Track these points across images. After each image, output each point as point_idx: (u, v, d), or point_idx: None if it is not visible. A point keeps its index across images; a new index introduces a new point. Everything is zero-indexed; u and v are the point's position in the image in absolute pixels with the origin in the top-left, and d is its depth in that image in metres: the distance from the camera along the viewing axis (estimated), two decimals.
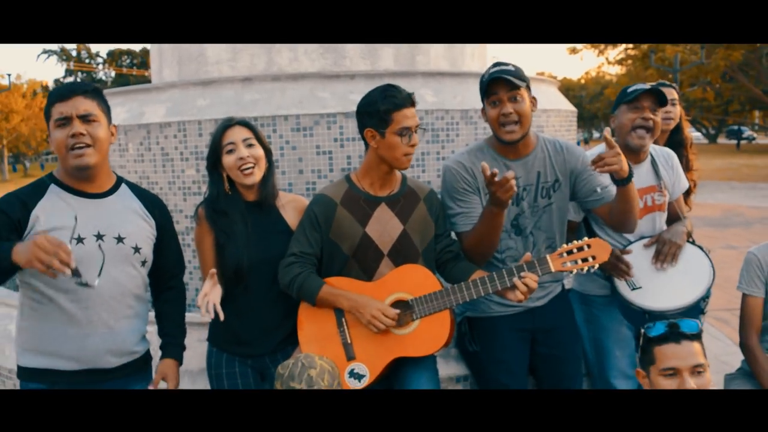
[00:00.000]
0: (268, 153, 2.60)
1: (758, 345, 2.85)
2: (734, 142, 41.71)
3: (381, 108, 2.45)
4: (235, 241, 2.55)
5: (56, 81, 56.37)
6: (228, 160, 2.53)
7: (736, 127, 43.47)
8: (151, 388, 2.46)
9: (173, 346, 2.54)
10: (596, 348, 2.98)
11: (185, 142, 3.40)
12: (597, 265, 2.38)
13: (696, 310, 2.79)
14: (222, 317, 2.39)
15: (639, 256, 2.87)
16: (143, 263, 2.40)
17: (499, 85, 2.56)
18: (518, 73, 2.56)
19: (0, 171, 41.99)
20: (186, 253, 3.41)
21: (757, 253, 2.88)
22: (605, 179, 2.63)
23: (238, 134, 2.53)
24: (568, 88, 53.20)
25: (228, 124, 2.57)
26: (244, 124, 2.58)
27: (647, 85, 2.85)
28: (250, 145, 2.54)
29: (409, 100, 2.48)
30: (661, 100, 2.84)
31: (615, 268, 2.79)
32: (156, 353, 2.53)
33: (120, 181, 2.45)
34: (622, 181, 2.48)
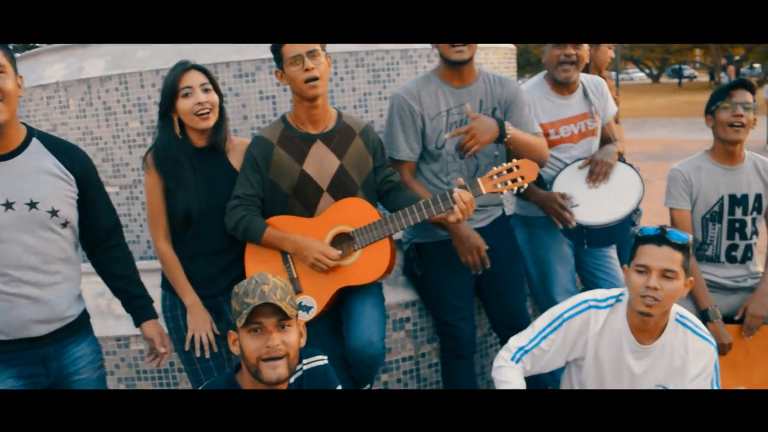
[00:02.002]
0: (220, 98, 2.53)
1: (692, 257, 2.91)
2: (676, 81, 42.17)
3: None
4: (185, 187, 2.50)
5: None
6: (184, 104, 2.44)
7: (677, 66, 43.89)
8: (148, 359, 2.42)
9: (144, 308, 2.38)
10: (539, 266, 3.03)
11: (127, 95, 3.29)
12: (526, 185, 2.39)
13: (627, 222, 2.84)
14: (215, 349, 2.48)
15: (575, 177, 2.94)
16: (65, 225, 2.13)
17: None
18: None
19: None
20: (135, 206, 3.36)
21: (681, 169, 2.92)
22: (529, 124, 2.77)
23: (195, 78, 2.45)
24: None
25: (184, 67, 2.46)
26: (200, 68, 2.49)
27: None
28: (207, 90, 2.46)
29: None
30: None
31: (557, 214, 2.84)
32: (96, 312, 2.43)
33: (30, 135, 2.11)
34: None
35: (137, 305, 2.38)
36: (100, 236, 2.31)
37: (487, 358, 3.18)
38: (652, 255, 2.07)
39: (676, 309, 2.20)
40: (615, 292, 2.27)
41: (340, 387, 2.16)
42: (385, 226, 2.48)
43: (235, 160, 2.59)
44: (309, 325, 2.56)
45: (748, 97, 2.77)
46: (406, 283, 2.99)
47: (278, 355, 1.87)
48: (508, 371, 2.25)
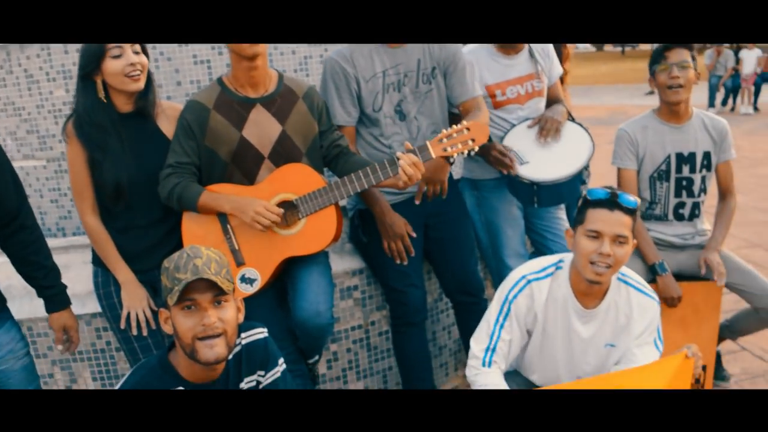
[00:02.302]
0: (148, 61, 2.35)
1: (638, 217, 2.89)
2: (620, 49, 42.75)
3: None
4: (112, 156, 2.31)
5: None
6: (114, 65, 2.24)
7: None
8: (59, 347, 2.28)
9: (54, 298, 2.25)
10: (488, 229, 2.97)
11: (50, 62, 3.07)
12: (477, 148, 2.30)
13: (578, 179, 2.79)
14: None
15: (524, 136, 2.87)
16: None
17: None
18: None
19: None
20: (65, 179, 3.16)
21: (627, 129, 2.88)
22: (469, 86, 2.69)
23: None
24: None
25: None
26: None
27: None
28: (137, 53, 2.28)
29: None
30: None
31: (498, 161, 2.76)
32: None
33: None
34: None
35: (46, 295, 2.24)
36: (3, 218, 2.12)
37: (439, 324, 3.12)
38: (604, 220, 1.99)
39: None
40: (552, 259, 2.20)
41: (282, 360, 2.05)
42: (331, 193, 2.37)
43: (165, 125, 2.43)
44: (253, 297, 2.47)
45: (684, 55, 2.71)
46: (352, 251, 2.89)
47: (215, 333, 1.74)
48: (486, 377, 2.15)
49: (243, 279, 2.44)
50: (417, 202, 2.68)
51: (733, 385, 3.02)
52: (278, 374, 2.00)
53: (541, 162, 2.78)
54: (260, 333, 2.00)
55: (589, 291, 2.09)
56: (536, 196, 2.76)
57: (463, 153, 2.30)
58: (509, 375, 2.35)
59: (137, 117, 2.37)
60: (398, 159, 2.29)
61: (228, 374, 1.90)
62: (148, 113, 2.38)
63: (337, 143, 2.53)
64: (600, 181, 3.10)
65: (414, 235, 2.65)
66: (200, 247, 1.80)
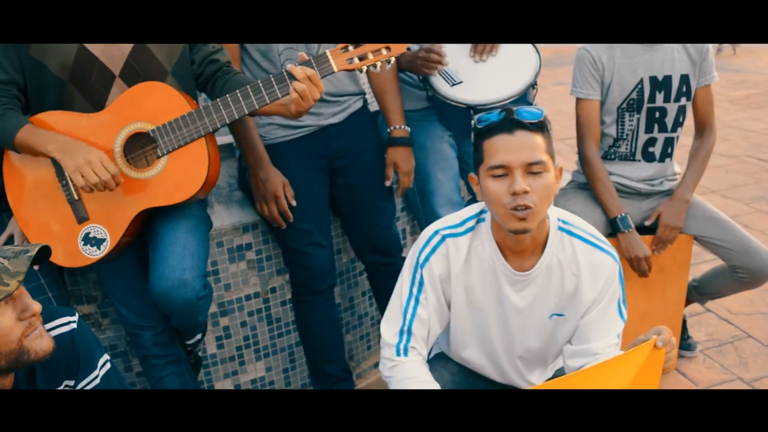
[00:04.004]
0: None
1: (597, 155, 2.31)
2: None
3: None
4: None
5: None
6: None
7: None
8: None
9: None
10: (415, 172, 2.33)
11: None
12: (393, 59, 1.66)
13: (524, 101, 2.18)
14: None
15: (457, 51, 2.22)
16: None
17: None
18: None
19: None
20: None
21: (590, 49, 2.27)
22: None
23: None
24: None
25: None
26: None
27: None
28: None
29: None
30: None
31: (426, 60, 2.12)
32: None
33: None
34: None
35: None
36: None
37: (356, 290, 2.51)
38: (506, 148, 1.39)
39: (556, 213, 1.55)
40: (473, 210, 1.59)
41: (103, 360, 1.43)
42: (201, 121, 1.70)
43: None
44: (105, 263, 1.82)
45: None
46: (243, 200, 2.23)
47: None
48: (403, 370, 1.56)
49: (87, 239, 1.78)
50: (397, 198, 2.18)
51: (699, 355, 2.54)
52: (97, 381, 1.37)
53: (477, 81, 2.15)
54: (65, 324, 1.35)
55: (519, 246, 1.50)
56: None
57: (374, 66, 1.65)
58: (436, 361, 1.77)
59: None
60: (289, 74, 1.64)
61: (17, 388, 1.26)
62: None
63: (214, 57, 1.84)
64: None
65: (294, 203, 2.03)
66: None
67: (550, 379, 1.76)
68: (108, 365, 1.46)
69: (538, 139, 1.41)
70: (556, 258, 1.54)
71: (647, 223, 2.34)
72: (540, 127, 1.42)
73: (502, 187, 1.40)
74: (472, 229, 1.56)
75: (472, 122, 1.47)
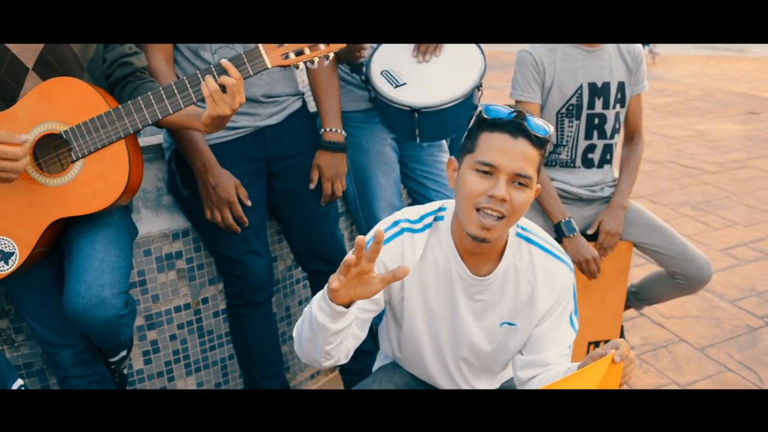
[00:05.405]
0: None
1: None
2: None
3: None
4: None
5: None
6: None
7: None
8: None
9: None
10: (356, 176, 2.19)
11: None
12: (332, 54, 1.51)
13: (469, 103, 2.06)
14: None
15: (399, 51, 2.10)
16: None
17: None
18: None
19: None
20: None
21: (531, 51, 2.18)
22: None
23: None
24: None
25: None
26: None
27: None
28: None
29: None
30: None
31: (355, 53, 1.99)
32: None
33: None
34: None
35: None
36: None
37: (292, 299, 2.35)
38: (503, 150, 1.28)
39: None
40: (431, 207, 1.47)
41: (21, 383, 1.23)
42: (119, 123, 1.52)
43: None
44: (16, 278, 1.62)
45: None
46: (172, 206, 2.03)
47: None
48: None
49: None
50: (323, 204, 1.99)
51: (635, 360, 2.50)
52: None
53: (421, 83, 2.02)
54: None
55: (478, 249, 1.39)
56: (418, 128, 2.02)
57: (311, 62, 1.50)
58: (383, 371, 1.64)
59: None
60: (204, 75, 1.47)
61: None
62: None
63: (127, 60, 1.64)
64: None
65: (248, 204, 1.87)
66: None
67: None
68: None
69: (535, 153, 1.30)
70: (513, 264, 1.43)
71: (590, 231, 2.27)
72: (542, 143, 1.31)
73: (482, 185, 1.28)
74: (429, 226, 1.44)
75: (478, 109, 1.35)
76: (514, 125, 1.29)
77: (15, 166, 1.44)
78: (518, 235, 1.44)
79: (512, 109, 1.31)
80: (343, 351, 1.37)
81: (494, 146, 1.29)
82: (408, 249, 1.43)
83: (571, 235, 2.15)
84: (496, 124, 1.30)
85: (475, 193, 1.29)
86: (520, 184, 1.29)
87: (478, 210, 1.29)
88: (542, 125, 1.31)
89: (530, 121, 1.30)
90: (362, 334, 1.43)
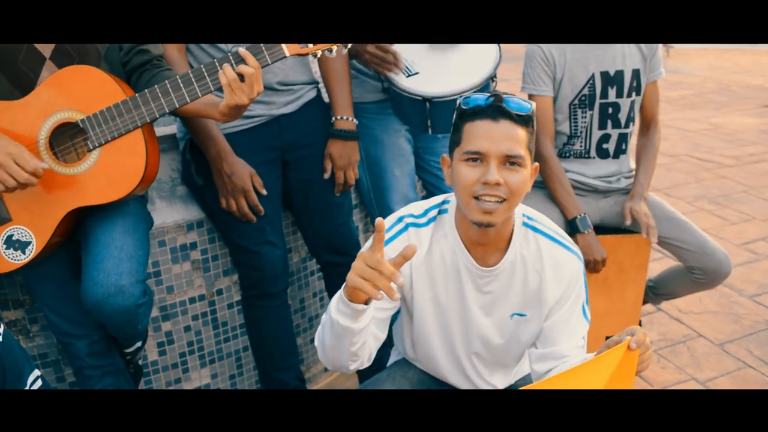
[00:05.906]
0: None
1: (553, 154, 2.18)
2: None
3: None
4: None
5: None
6: None
7: None
8: None
9: None
10: (370, 168, 2.16)
11: None
12: (348, 44, 1.48)
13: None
14: None
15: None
16: None
17: None
18: None
19: None
20: None
21: (541, 45, 2.14)
22: None
23: None
24: None
25: None
26: None
27: None
28: None
29: None
30: None
31: (382, 60, 1.94)
32: None
33: None
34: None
35: None
36: None
37: (306, 290, 2.33)
38: (487, 135, 1.28)
39: (521, 209, 1.44)
40: (435, 200, 1.46)
41: (32, 378, 1.22)
42: (136, 111, 1.50)
43: None
44: (33, 267, 1.60)
45: None
46: (187, 196, 2.01)
47: None
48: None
49: (9, 243, 1.56)
50: (336, 194, 1.95)
51: (653, 355, 2.46)
52: None
53: (434, 72, 1.98)
54: None
55: (483, 239, 1.37)
56: (430, 119, 1.98)
57: (330, 50, 1.47)
58: (396, 368, 1.62)
59: None
60: (238, 61, 1.44)
61: None
62: None
63: (144, 48, 1.62)
64: None
65: (264, 192, 1.84)
66: None
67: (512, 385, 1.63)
68: (39, 382, 1.26)
69: (521, 132, 1.28)
70: (520, 254, 1.41)
71: (627, 223, 2.21)
72: (526, 120, 1.29)
73: (475, 174, 1.27)
74: (433, 219, 1.43)
75: (457, 102, 1.34)
76: (493, 108, 1.28)
77: (13, 184, 1.44)
78: (524, 224, 1.42)
79: (489, 94, 1.30)
80: (366, 352, 1.36)
81: (478, 133, 1.28)
82: (414, 244, 1.41)
83: (586, 232, 2.11)
84: (475, 113, 1.30)
85: (469, 182, 1.28)
86: (512, 164, 1.28)
87: (476, 198, 1.28)
88: (522, 103, 1.30)
89: (509, 101, 1.29)
90: (382, 335, 1.41)
